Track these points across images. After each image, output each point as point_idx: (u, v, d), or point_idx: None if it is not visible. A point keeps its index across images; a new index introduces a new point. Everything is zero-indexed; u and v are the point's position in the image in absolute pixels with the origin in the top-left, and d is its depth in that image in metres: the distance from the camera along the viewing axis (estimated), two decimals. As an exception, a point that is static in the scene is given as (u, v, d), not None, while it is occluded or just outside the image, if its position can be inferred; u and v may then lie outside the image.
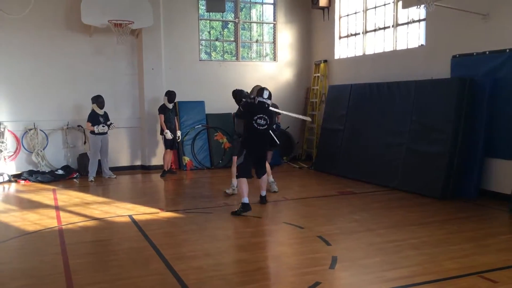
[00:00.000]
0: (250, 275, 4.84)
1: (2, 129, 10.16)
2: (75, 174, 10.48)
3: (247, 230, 6.67)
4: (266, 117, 7.31)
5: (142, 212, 7.30)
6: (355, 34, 11.57)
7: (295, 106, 12.95)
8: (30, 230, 6.36)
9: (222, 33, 12.86)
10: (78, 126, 10.83)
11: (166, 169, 10.65)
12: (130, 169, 11.35)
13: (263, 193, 7.74)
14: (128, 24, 10.10)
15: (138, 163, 11.57)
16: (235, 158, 8.10)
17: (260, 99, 7.34)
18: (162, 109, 10.44)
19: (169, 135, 10.33)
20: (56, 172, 10.34)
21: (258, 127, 7.28)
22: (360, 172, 9.80)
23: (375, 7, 10.90)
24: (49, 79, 10.62)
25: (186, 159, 11.40)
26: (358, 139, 10.17)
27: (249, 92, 8.26)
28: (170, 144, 10.51)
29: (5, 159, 10.20)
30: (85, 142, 10.86)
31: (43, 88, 10.57)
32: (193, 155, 11.51)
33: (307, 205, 7.92)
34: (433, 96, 8.50)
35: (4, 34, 10.17)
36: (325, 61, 12.43)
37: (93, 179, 10.06)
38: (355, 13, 11.54)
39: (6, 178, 9.94)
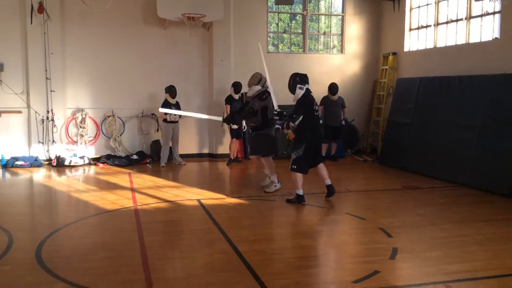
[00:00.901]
0: (311, 260, 5.05)
1: (84, 116, 10.99)
2: (148, 159, 11.12)
3: (309, 218, 6.87)
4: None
5: (209, 197, 7.68)
6: (426, 26, 11.30)
7: (362, 98, 12.89)
8: (108, 208, 6.91)
9: (290, 25, 13.00)
10: (152, 114, 11.44)
11: (232, 158, 11.01)
12: (198, 157, 11.85)
13: (328, 181, 7.42)
14: (200, 17, 10.55)
15: (206, 151, 12.04)
16: (264, 158, 8.15)
17: (308, 86, 7.42)
18: (228, 100, 10.80)
19: (234, 125, 10.67)
20: (131, 157, 11.04)
21: (318, 114, 7.44)
22: (426, 167, 9.64)
23: (448, -1, 10.61)
24: (127, 70, 11.30)
25: (252, 148, 11.69)
26: (426, 133, 9.97)
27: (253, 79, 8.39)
28: (235, 134, 10.84)
29: (85, 143, 11.03)
30: (158, 130, 11.47)
31: (121, 78, 11.27)
32: (259, 145, 11.75)
33: (370, 198, 7.95)
34: (507, 91, 8.19)
35: (87, 27, 10.94)
36: (394, 53, 12.24)
37: (164, 165, 10.63)
38: (427, 4, 11.25)
39: (87, 161, 10.73)
